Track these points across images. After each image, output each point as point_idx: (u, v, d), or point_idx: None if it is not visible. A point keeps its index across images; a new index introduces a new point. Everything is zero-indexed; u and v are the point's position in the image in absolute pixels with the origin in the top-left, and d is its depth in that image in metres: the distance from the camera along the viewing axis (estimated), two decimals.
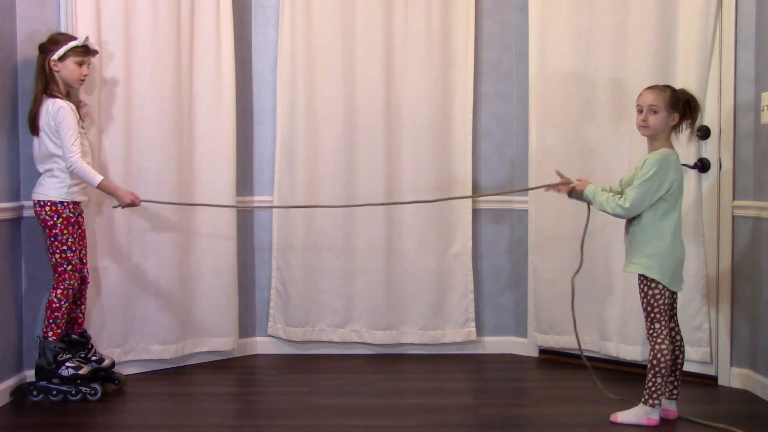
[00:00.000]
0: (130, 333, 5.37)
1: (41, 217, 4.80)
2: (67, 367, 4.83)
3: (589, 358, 5.54)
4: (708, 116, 5.08)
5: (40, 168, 4.84)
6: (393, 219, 5.85)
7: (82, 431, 4.41)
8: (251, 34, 5.94)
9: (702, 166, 5.10)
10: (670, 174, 4.23)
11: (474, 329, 5.96)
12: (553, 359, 5.82)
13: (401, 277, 5.87)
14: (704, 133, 5.08)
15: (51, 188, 4.79)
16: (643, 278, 4.32)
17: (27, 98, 4.95)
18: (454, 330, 5.94)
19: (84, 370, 4.87)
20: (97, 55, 5.00)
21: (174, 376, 5.42)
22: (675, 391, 4.47)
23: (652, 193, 4.22)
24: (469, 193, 5.89)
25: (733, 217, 5.07)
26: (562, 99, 5.65)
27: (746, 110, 5.00)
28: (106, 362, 5.09)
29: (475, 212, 5.96)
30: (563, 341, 5.71)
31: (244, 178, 5.89)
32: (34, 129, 4.82)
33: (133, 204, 4.95)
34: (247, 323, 5.98)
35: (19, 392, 4.85)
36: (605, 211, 4.39)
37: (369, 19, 5.78)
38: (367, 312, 5.92)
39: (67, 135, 4.69)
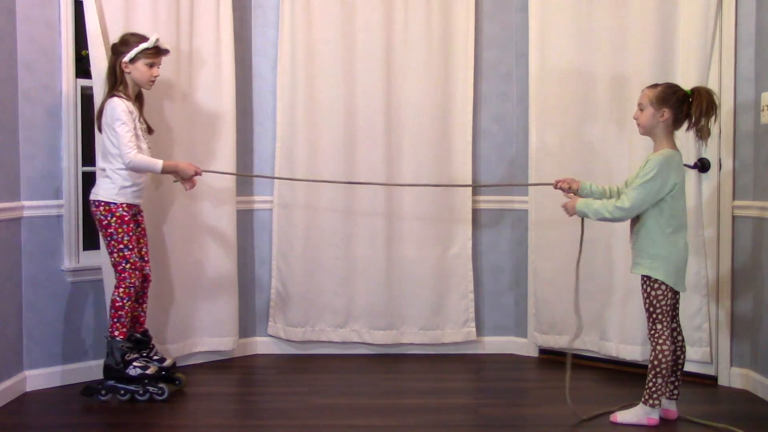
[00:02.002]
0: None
1: (96, 217, 4.85)
2: (135, 367, 4.85)
3: (589, 358, 5.63)
4: None
5: (98, 165, 4.87)
6: (393, 219, 5.84)
7: (88, 431, 4.41)
8: (251, 34, 5.94)
9: (702, 166, 5.10)
10: (671, 175, 4.21)
11: (474, 329, 5.96)
12: (553, 359, 5.81)
13: (401, 277, 5.87)
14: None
15: (103, 188, 4.82)
16: (646, 279, 4.31)
17: (27, 98, 4.98)
18: (454, 330, 5.94)
19: (151, 370, 4.89)
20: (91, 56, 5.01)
21: None
22: (675, 392, 4.47)
23: (654, 193, 4.21)
24: (470, 193, 5.89)
25: (733, 217, 5.07)
26: (562, 99, 5.64)
27: (746, 110, 5.00)
28: (168, 362, 5.10)
29: (475, 212, 5.96)
30: (563, 341, 5.70)
31: (245, 178, 5.90)
32: (99, 126, 4.84)
33: (195, 175, 4.98)
34: (247, 323, 5.98)
35: (88, 392, 4.85)
36: (605, 219, 4.36)
37: (369, 18, 5.78)
38: (367, 312, 5.92)
39: (122, 132, 4.70)
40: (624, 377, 5.33)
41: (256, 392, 5.22)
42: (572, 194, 4.61)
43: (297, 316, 5.93)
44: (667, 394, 4.44)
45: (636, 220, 4.34)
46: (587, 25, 5.49)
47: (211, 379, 5.40)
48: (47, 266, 5.11)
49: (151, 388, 4.85)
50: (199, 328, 5.64)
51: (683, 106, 4.26)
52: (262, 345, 6.04)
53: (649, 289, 4.30)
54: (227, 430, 4.43)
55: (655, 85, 4.34)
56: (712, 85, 5.00)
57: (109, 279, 4.98)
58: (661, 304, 4.28)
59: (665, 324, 4.29)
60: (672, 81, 4.73)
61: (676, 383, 4.47)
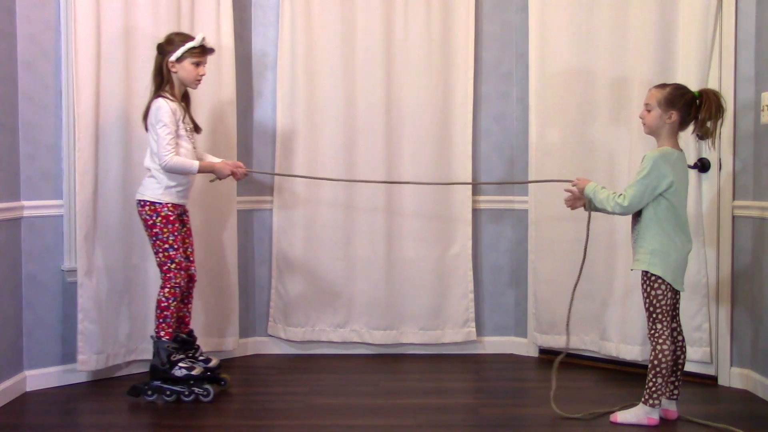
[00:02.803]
0: (132, 333, 5.36)
1: (142, 217, 4.86)
2: (180, 368, 4.85)
3: (589, 358, 5.64)
4: None
5: (144, 165, 4.89)
6: (393, 219, 5.85)
7: (89, 431, 4.42)
8: (251, 33, 5.94)
9: (702, 166, 5.10)
10: (667, 172, 4.20)
11: (474, 329, 5.96)
12: (553, 359, 5.67)
13: (401, 277, 5.87)
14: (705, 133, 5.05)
15: (149, 188, 4.83)
16: (645, 277, 4.30)
17: (27, 98, 4.98)
18: (454, 330, 5.94)
19: (197, 371, 4.88)
20: (99, 55, 5.05)
21: None
22: (675, 392, 4.47)
23: (651, 190, 4.20)
24: (470, 193, 5.90)
25: (734, 217, 5.07)
26: (562, 99, 5.64)
27: (746, 110, 4.99)
28: (213, 362, 5.10)
29: (475, 212, 5.96)
30: (563, 341, 5.64)
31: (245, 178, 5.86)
32: (146, 126, 4.85)
33: (234, 175, 4.99)
34: (248, 323, 5.98)
35: (135, 392, 4.86)
36: (605, 211, 4.39)
37: (369, 18, 5.78)
38: (367, 312, 5.92)
39: (161, 134, 4.71)
40: (624, 377, 5.33)
41: (256, 392, 5.18)
42: (579, 178, 4.60)
43: (297, 316, 5.93)
44: (667, 394, 4.44)
45: (637, 218, 4.34)
46: (587, 25, 5.49)
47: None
48: (47, 266, 5.11)
49: (196, 389, 4.84)
50: (200, 328, 5.57)
51: (691, 108, 4.25)
52: (262, 345, 6.04)
53: (649, 289, 4.30)
54: (227, 430, 4.42)
55: (663, 86, 4.32)
56: (712, 85, 5.01)
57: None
58: (661, 303, 4.27)
59: (665, 324, 4.29)
60: (672, 81, 4.73)
61: (676, 383, 4.46)
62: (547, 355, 5.86)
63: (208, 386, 4.86)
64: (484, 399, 4.99)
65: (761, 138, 4.89)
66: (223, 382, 5.07)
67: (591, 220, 4.62)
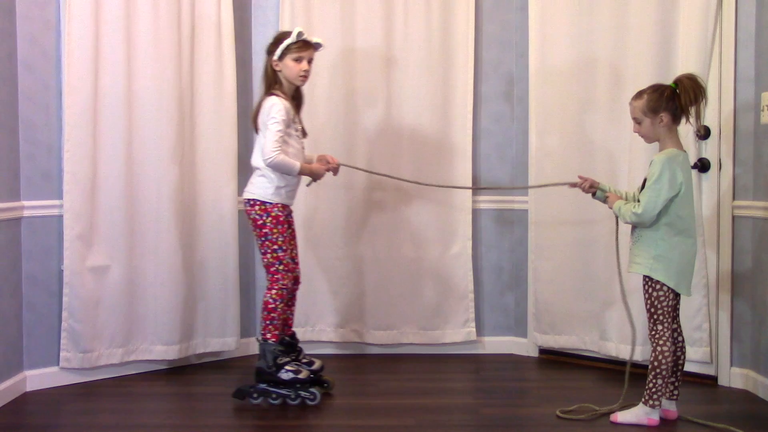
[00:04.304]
0: (132, 333, 5.37)
1: (251, 216, 4.83)
2: (287, 371, 4.81)
3: (589, 358, 5.64)
4: (708, 116, 5.07)
5: (254, 164, 4.88)
6: (393, 219, 5.85)
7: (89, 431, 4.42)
8: (251, 33, 5.94)
9: (702, 166, 5.10)
10: (677, 172, 4.16)
11: (474, 329, 5.96)
12: (553, 359, 5.83)
13: (401, 277, 5.86)
14: (704, 133, 5.08)
15: (260, 188, 4.81)
16: (647, 279, 4.28)
17: (27, 98, 4.99)
18: (454, 330, 5.94)
19: (303, 374, 4.83)
20: (98, 54, 5.07)
21: (175, 376, 5.43)
22: (675, 392, 4.46)
23: (664, 194, 4.16)
24: (470, 193, 5.89)
25: (733, 217, 5.06)
26: (562, 99, 5.64)
27: (746, 110, 4.99)
28: (316, 365, 5.07)
29: (475, 212, 5.96)
30: (563, 341, 5.72)
31: (245, 178, 5.76)
32: (256, 127, 4.84)
33: (331, 172, 5.01)
34: (248, 323, 5.97)
35: (240, 395, 4.83)
36: (627, 222, 4.34)
37: (369, 18, 5.78)
38: (367, 312, 5.92)
39: (273, 130, 4.66)
40: (624, 377, 5.27)
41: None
42: (609, 194, 4.55)
43: (297, 316, 5.72)
44: (668, 395, 4.43)
45: None
46: (587, 25, 5.49)
47: (212, 380, 5.39)
48: (47, 266, 5.11)
49: (303, 393, 4.79)
50: (201, 328, 5.64)
51: (675, 102, 4.20)
52: None
53: (650, 290, 4.28)
54: (228, 430, 4.43)
55: (639, 95, 4.28)
56: (712, 84, 5.02)
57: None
58: (663, 305, 4.26)
59: (666, 325, 4.27)
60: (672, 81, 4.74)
61: (676, 384, 4.46)
62: (548, 355, 5.86)
63: (314, 390, 4.80)
64: (484, 399, 4.99)
65: (761, 138, 4.89)
66: (326, 384, 5.01)
67: (618, 221, 4.55)
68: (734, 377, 5.11)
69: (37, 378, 5.09)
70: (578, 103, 5.57)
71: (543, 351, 5.92)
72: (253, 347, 5.97)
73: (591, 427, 4.41)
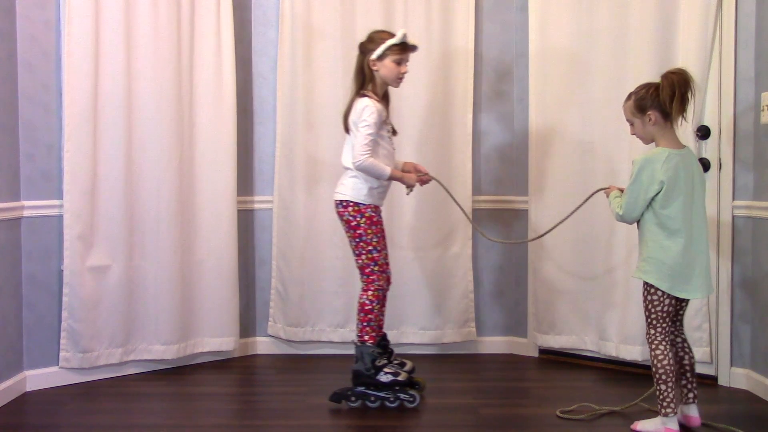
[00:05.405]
0: (131, 333, 5.37)
1: (344, 218, 4.77)
2: (386, 373, 4.76)
3: (589, 358, 5.63)
4: (708, 116, 5.07)
5: (344, 165, 4.81)
6: (393, 218, 5.81)
7: (88, 431, 4.42)
8: (251, 34, 5.93)
9: (702, 166, 5.06)
10: (656, 173, 4.06)
11: (474, 329, 5.96)
12: (553, 359, 5.82)
13: (401, 277, 5.81)
14: (704, 133, 5.07)
15: (352, 189, 4.74)
16: (644, 282, 4.21)
17: (27, 98, 4.99)
18: (454, 330, 5.93)
19: (402, 377, 4.77)
20: (98, 54, 5.08)
21: (174, 376, 5.42)
22: (690, 395, 4.34)
23: (642, 194, 4.10)
24: (469, 193, 5.88)
25: (733, 217, 5.06)
26: (562, 98, 5.63)
27: (746, 110, 4.98)
28: (408, 366, 5.05)
29: (475, 212, 5.94)
30: (563, 341, 5.71)
31: (245, 178, 5.90)
32: (347, 127, 4.79)
33: (422, 182, 4.95)
34: (248, 323, 5.97)
35: (337, 398, 4.78)
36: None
37: (369, 18, 5.74)
38: None
39: (364, 133, 4.60)
40: (624, 377, 5.32)
41: (256, 392, 5.21)
42: (612, 186, 4.53)
43: (297, 316, 5.91)
44: (683, 399, 4.34)
45: (639, 222, 4.24)
46: (588, 25, 5.47)
47: (211, 380, 5.39)
48: (47, 266, 5.11)
49: (402, 395, 4.73)
50: (200, 328, 5.63)
51: (659, 100, 4.11)
52: (262, 345, 6.03)
53: (645, 293, 4.21)
54: (227, 430, 4.42)
55: (629, 96, 4.24)
56: (712, 85, 5.02)
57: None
58: (657, 309, 4.18)
59: (659, 329, 4.18)
60: None
61: (689, 386, 4.34)
62: (548, 355, 5.86)
63: (413, 392, 4.75)
64: (484, 399, 4.96)
65: (761, 138, 4.88)
66: (417, 386, 4.91)
67: (592, 196, 4.65)
68: (734, 377, 5.09)
69: (37, 378, 5.09)
70: (578, 103, 5.56)
71: (543, 351, 5.91)
72: (252, 347, 6.01)
73: (591, 427, 4.40)
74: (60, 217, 5.13)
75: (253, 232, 6.02)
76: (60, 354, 5.15)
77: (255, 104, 5.97)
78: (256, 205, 6.00)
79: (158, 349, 5.44)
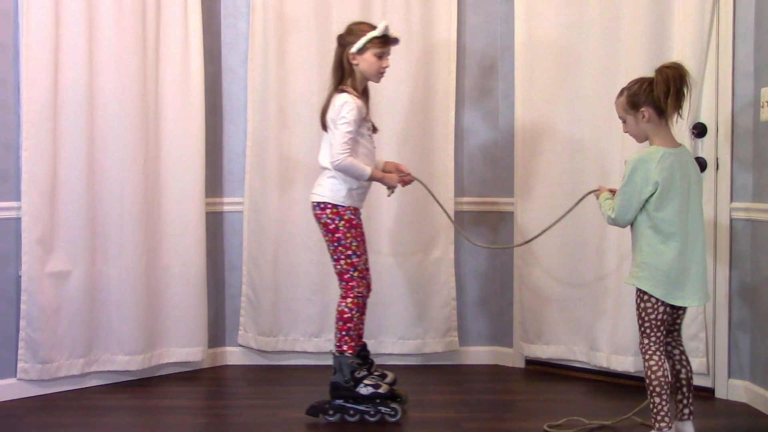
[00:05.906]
0: (93, 343, 5.28)
1: (322, 221, 4.64)
2: (366, 385, 4.63)
3: (579, 369, 5.61)
4: (704, 113, 5.00)
5: (321, 164, 4.69)
6: (371, 220, 5.67)
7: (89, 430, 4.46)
8: (221, 25, 5.86)
9: (698, 165, 4.92)
10: (650, 174, 3.95)
11: (456, 338, 5.87)
12: (540, 370, 5.75)
13: (379, 284, 5.66)
14: (700, 130, 5.00)
15: (331, 190, 4.61)
16: (637, 289, 4.09)
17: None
18: (436, 339, 5.83)
19: (383, 389, 4.65)
20: (58, 47, 5.01)
21: (139, 389, 5.34)
22: (685, 411, 4.19)
23: (636, 196, 3.98)
24: (452, 194, 5.78)
25: (731, 220, 4.97)
26: (550, 94, 5.57)
27: (745, 107, 4.89)
28: (389, 378, 4.91)
29: (458, 214, 5.84)
30: (551, 351, 5.65)
31: (213, 179, 5.84)
32: (324, 124, 4.66)
33: (404, 182, 4.81)
34: (217, 332, 5.89)
35: (315, 411, 4.66)
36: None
37: (345, 9, 5.66)
38: None
39: (342, 131, 4.47)
40: (615, 389, 5.26)
41: (226, 405, 5.13)
42: (602, 187, 4.44)
43: (269, 324, 5.82)
44: (678, 415, 4.19)
45: (633, 226, 4.13)
46: (577, 16, 5.41)
47: (178, 392, 5.32)
48: (4, 272, 5.05)
49: (383, 409, 4.61)
50: (166, 337, 5.55)
51: (652, 97, 4.00)
52: (231, 355, 5.94)
53: (639, 301, 4.09)
54: None
55: (621, 92, 4.15)
56: (709, 80, 4.96)
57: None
58: (651, 317, 4.04)
59: (653, 339, 4.05)
60: None
61: (684, 401, 4.19)
62: (534, 366, 5.78)
63: (395, 405, 4.63)
64: (468, 412, 4.87)
65: (761, 136, 4.79)
66: (399, 399, 4.80)
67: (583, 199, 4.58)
68: (732, 389, 5.01)
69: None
70: (567, 99, 5.50)
71: (529, 361, 5.84)
72: (222, 357, 5.95)
73: None
74: (18, 219, 5.04)
75: (223, 235, 5.93)
76: (18, 365, 5.06)
77: (224, 100, 5.89)
78: (226, 207, 5.92)
79: (122, 359, 5.35)
